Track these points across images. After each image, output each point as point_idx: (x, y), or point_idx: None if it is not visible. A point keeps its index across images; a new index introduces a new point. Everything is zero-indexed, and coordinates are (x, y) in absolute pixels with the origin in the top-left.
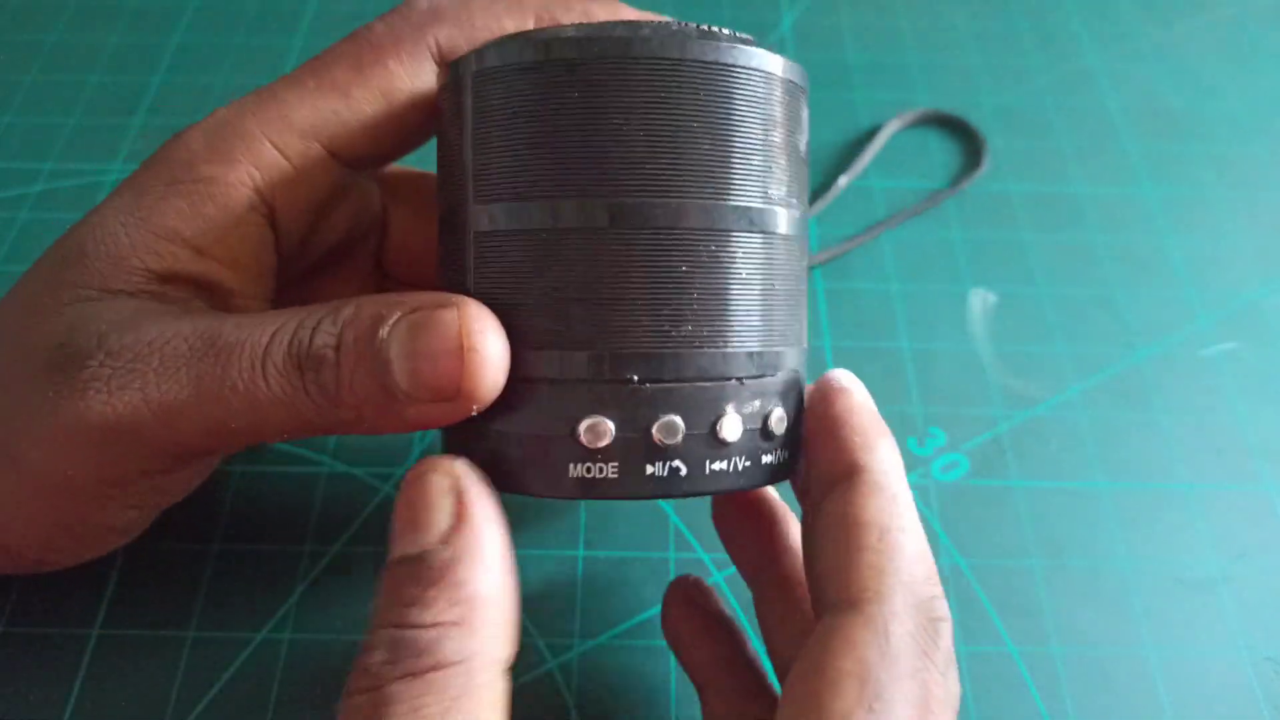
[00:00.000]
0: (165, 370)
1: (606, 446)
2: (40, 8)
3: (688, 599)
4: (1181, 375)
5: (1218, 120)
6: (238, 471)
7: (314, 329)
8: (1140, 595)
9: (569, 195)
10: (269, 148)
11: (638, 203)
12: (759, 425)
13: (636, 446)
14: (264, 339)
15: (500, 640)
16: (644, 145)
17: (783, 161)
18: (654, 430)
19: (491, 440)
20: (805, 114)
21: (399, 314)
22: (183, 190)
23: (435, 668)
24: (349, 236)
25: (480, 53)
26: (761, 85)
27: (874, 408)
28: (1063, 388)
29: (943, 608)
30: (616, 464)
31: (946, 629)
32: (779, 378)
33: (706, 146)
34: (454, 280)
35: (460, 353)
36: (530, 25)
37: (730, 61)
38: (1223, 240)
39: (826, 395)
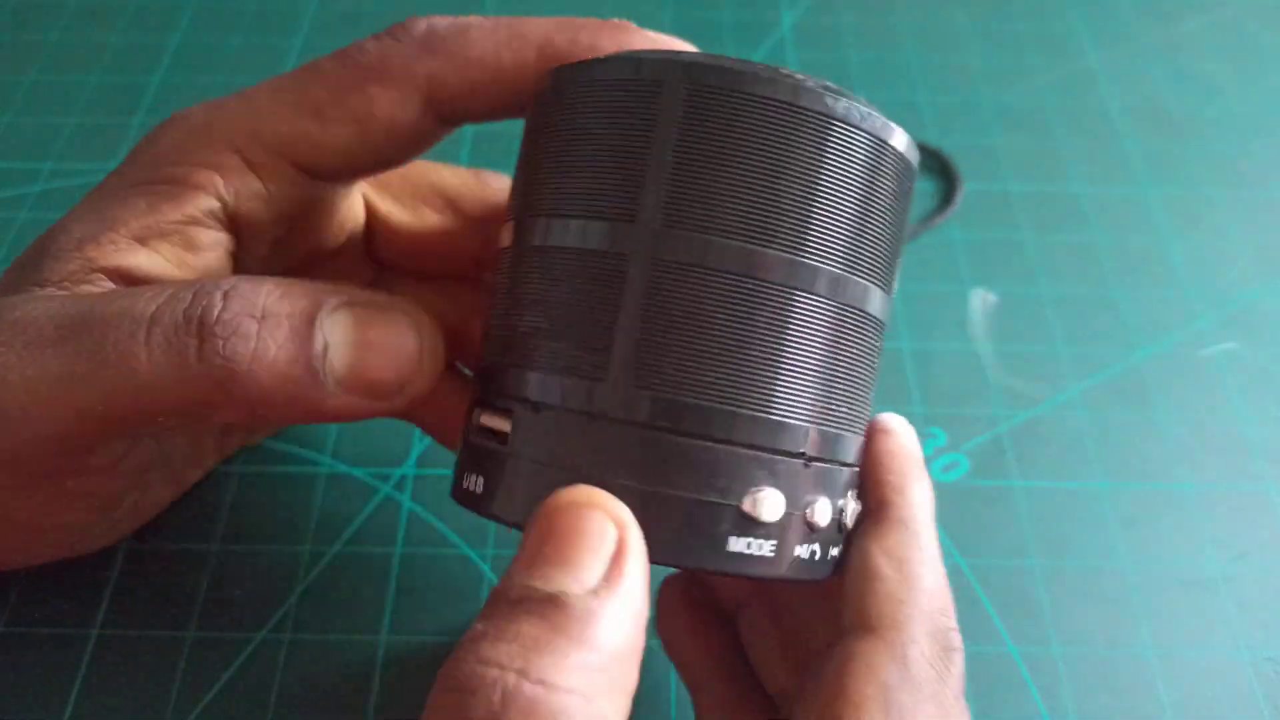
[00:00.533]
0: (29, 351)
1: (772, 523)
2: (40, 8)
3: (681, 598)
4: (1182, 375)
5: (1218, 120)
6: (238, 471)
7: (227, 295)
8: (1140, 595)
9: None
10: (235, 159)
11: (676, 234)
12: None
13: (797, 525)
14: (149, 307)
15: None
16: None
17: (884, 239)
18: (811, 511)
19: (636, 498)
20: (909, 197)
21: (337, 300)
22: (143, 190)
23: None
24: (330, 240)
25: (585, 64)
26: (873, 152)
27: (917, 452)
28: (1063, 388)
29: (957, 640)
30: (775, 543)
31: (960, 659)
32: (853, 466)
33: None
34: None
35: (414, 353)
36: (532, 58)
37: (853, 122)
38: (1223, 240)
39: (871, 435)
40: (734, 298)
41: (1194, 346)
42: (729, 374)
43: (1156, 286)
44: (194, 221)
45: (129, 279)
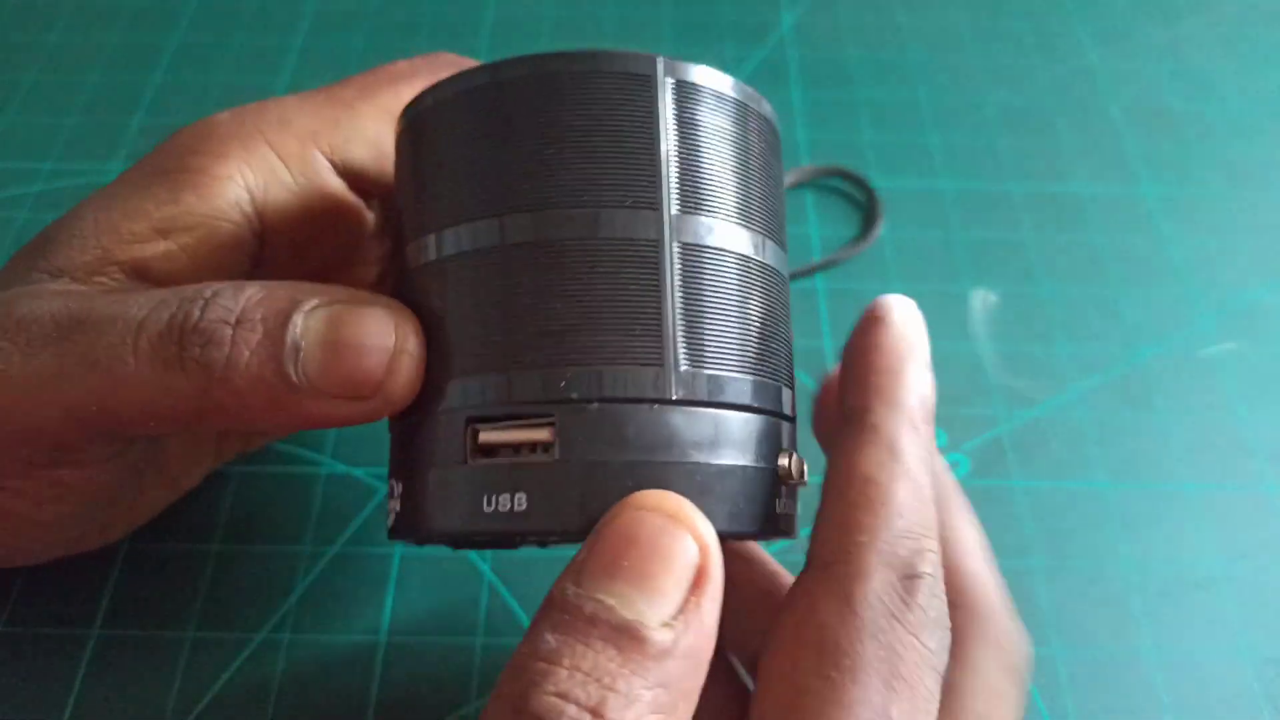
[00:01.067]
0: (30, 348)
1: (795, 481)
2: (40, 8)
3: None
4: (1182, 375)
5: (1218, 120)
6: (238, 471)
7: (206, 303)
8: (1141, 595)
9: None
10: (264, 146)
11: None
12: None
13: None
14: (139, 313)
15: None
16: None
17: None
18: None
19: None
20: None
21: (317, 301)
22: (168, 179)
23: None
24: (353, 251)
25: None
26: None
27: (914, 343)
28: (1063, 388)
29: (926, 563)
30: (791, 501)
31: (924, 586)
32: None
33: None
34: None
35: (390, 351)
36: None
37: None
38: (1223, 240)
39: (861, 326)
40: (738, 270)
41: (1194, 346)
42: (749, 344)
43: (1156, 286)
44: (219, 215)
45: (144, 274)
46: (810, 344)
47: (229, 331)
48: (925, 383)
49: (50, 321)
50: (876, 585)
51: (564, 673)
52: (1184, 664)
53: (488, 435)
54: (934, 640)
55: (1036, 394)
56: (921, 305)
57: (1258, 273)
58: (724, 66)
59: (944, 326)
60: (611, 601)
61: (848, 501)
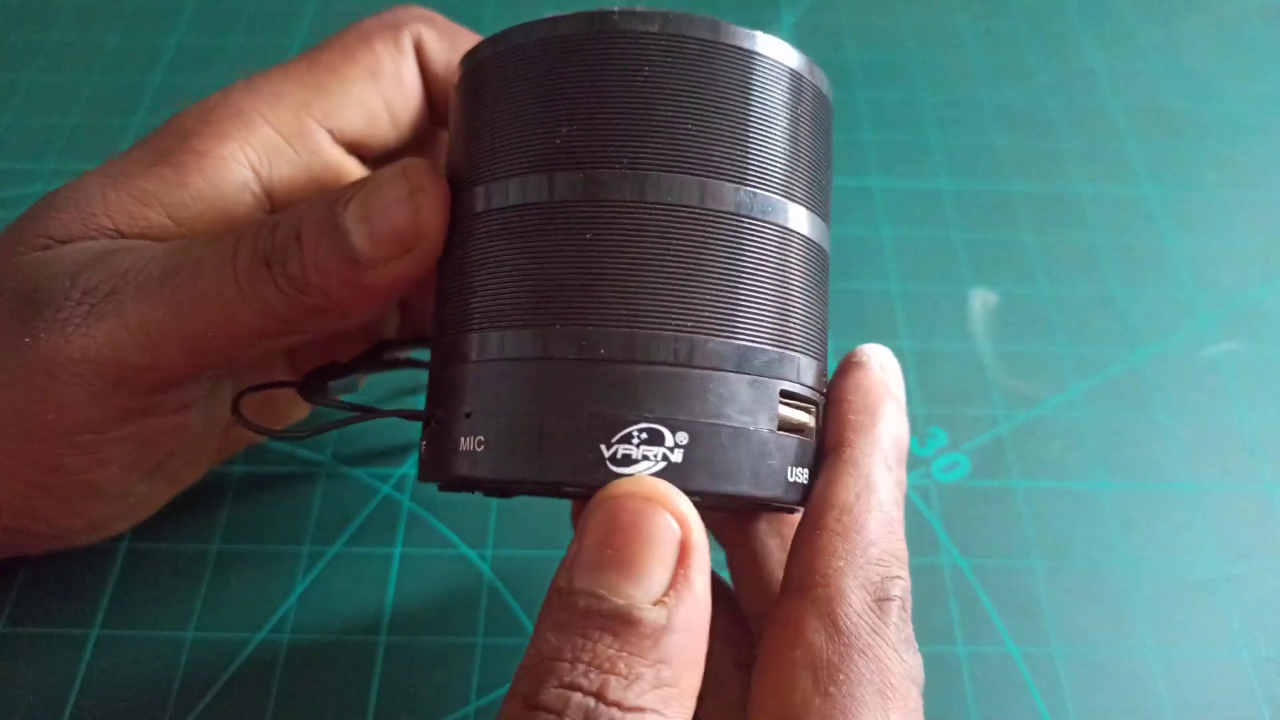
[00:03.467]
0: (141, 294)
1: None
2: (40, 8)
3: None
4: (1182, 375)
5: (1218, 120)
6: (238, 471)
7: (274, 227)
8: (1141, 595)
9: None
10: (262, 123)
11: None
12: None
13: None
14: (229, 248)
15: None
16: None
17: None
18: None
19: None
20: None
21: (351, 193)
22: (172, 160)
23: None
24: None
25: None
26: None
27: (889, 388)
28: (1063, 388)
29: (896, 588)
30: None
31: (896, 607)
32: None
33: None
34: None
35: (409, 197)
36: None
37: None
38: (1223, 240)
39: (841, 368)
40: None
41: (1194, 346)
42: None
43: (1157, 286)
44: (229, 198)
45: None
46: None
47: (295, 244)
48: (901, 425)
49: (156, 266)
50: (855, 605)
51: (567, 665)
52: (1184, 664)
53: None
54: (910, 656)
55: (1037, 394)
56: (921, 305)
57: (1258, 273)
58: None
59: (944, 326)
60: (602, 591)
61: (825, 528)
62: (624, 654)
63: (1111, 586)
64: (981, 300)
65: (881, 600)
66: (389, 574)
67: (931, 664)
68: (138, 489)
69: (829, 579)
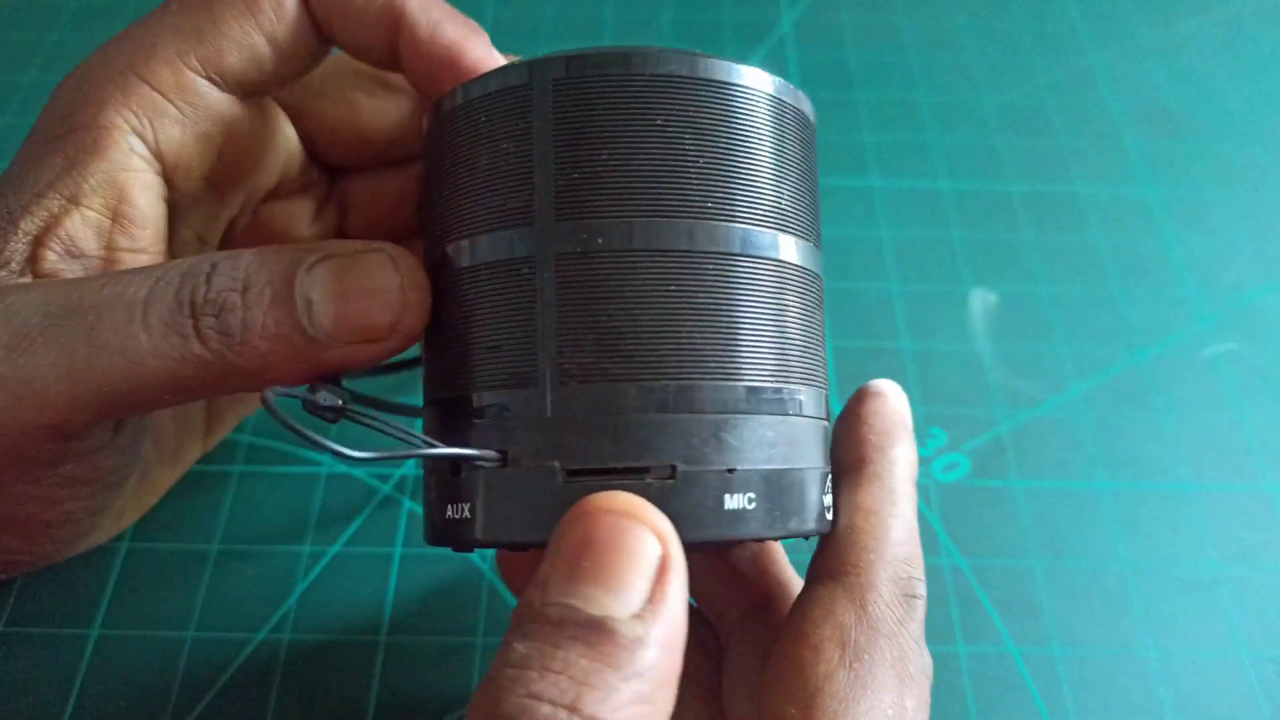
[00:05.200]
0: (17, 344)
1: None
2: (40, 8)
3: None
4: (1182, 375)
5: (1218, 120)
6: (238, 472)
7: (209, 274)
8: (1141, 595)
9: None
10: (137, 82)
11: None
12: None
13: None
14: (140, 292)
15: None
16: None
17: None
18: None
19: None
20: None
21: (316, 257)
22: (59, 145)
23: None
24: (266, 175)
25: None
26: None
27: (904, 416)
28: (1063, 388)
29: (920, 588)
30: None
31: (921, 606)
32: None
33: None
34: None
35: (400, 290)
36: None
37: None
38: (1223, 240)
39: (859, 396)
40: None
41: (1194, 346)
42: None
43: (1157, 286)
44: (121, 166)
45: (72, 249)
46: None
47: (238, 298)
48: (914, 451)
49: (36, 312)
50: (886, 596)
51: (535, 674)
52: (1184, 664)
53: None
54: (927, 655)
55: (1036, 394)
56: (921, 305)
57: (1258, 272)
58: None
59: (944, 326)
60: (578, 603)
61: (854, 527)
62: (598, 666)
63: (1111, 586)
64: (981, 300)
65: (908, 597)
66: (389, 574)
67: (932, 663)
68: (103, 514)
69: (860, 569)
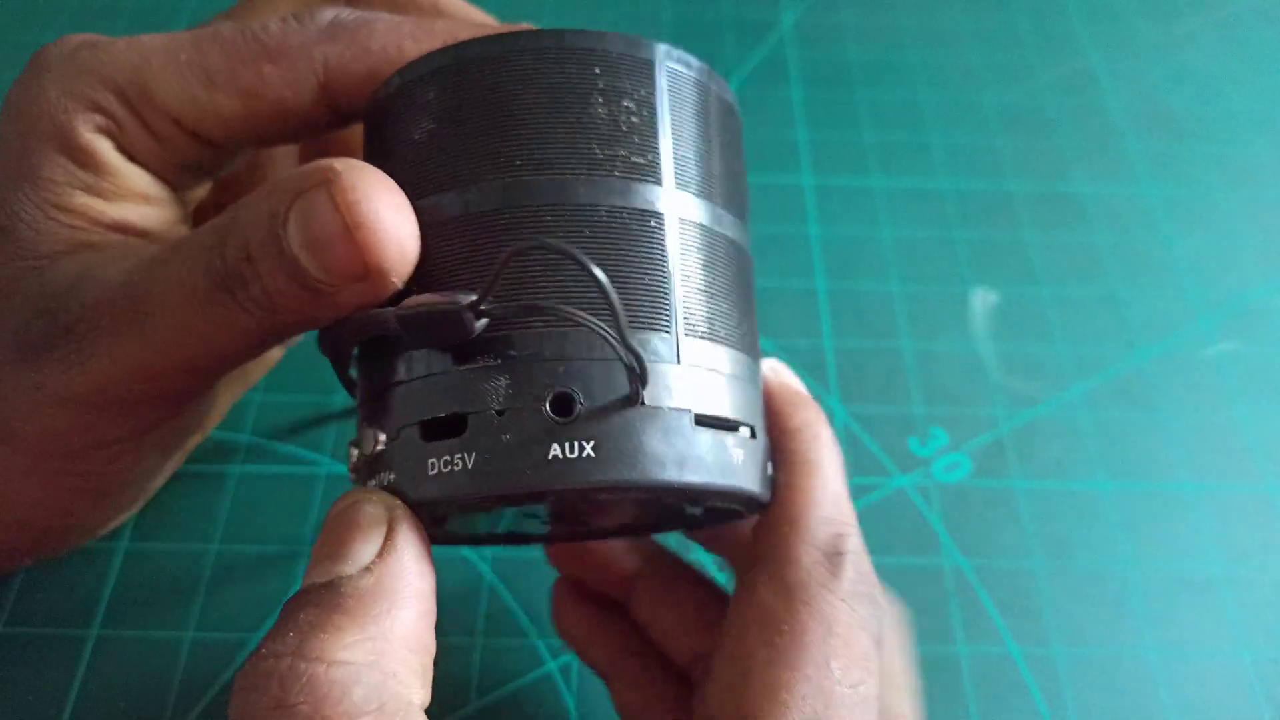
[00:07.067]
0: (117, 329)
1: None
2: (40, 8)
3: (570, 595)
4: (1183, 375)
5: (1218, 120)
6: (238, 472)
7: (221, 245)
8: (1142, 596)
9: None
10: (121, 108)
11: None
12: None
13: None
14: (184, 275)
15: (417, 686)
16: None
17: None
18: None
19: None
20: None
21: (288, 203)
22: (52, 147)
23: (345, 716)
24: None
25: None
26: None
27: (793, 386)
28: (1064, 388)
29: (847, 544)
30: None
31: (849, 560)
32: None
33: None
34: None
35: (348, 233)
36: (439, 47)
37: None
38: (1224, 240)
39: None
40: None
41: (1195, 346)
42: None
43: (1158, 286)
44: (109, 171)
45: (121, 227)
46: (811, 343)
47: (249, 269)
48: (814, 413)
49: (119, 300)
50: (805, 563)
51: (267, 639)
52: (1184, 664)
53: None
54: (863, 608)
55: (1037, 394)
56: (921, 305)
57: (1259, 273)
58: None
59: (944, 326)
60: (315, 578)
61: (774, 504)
62: (325, 615)
63: (1111, 586)
64: (981, 300)
65: (834, 554)
66: None
67: (932, 664)
68: (164, 471)
69: (780, 544)
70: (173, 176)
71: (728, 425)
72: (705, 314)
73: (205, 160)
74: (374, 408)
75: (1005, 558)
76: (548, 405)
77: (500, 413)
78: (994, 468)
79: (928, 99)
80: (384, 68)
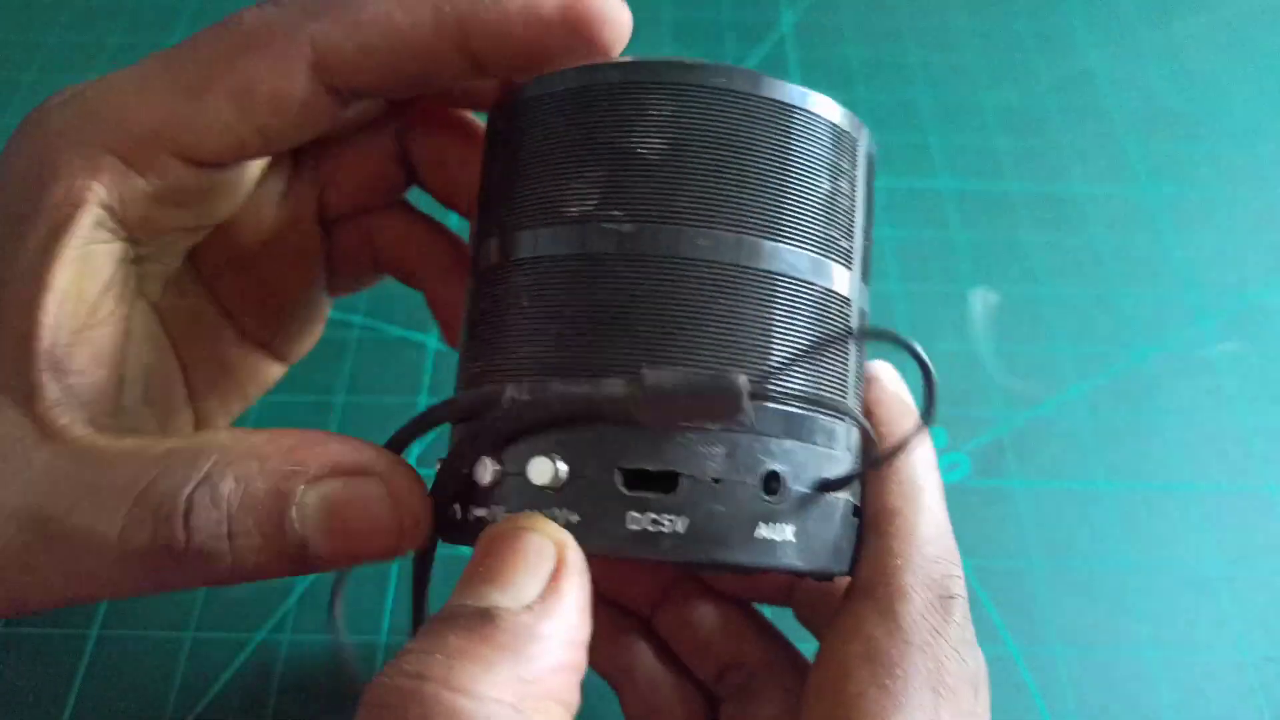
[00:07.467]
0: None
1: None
2: (40, 8)
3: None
4: (1183, 375)
5: (1218, 120)
6: None
7: (187, 517)
8: (1141, 596)
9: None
10: (109, 159)
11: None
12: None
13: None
14: (111, 529)
15: None
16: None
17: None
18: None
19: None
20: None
21: (303, 484)
22: (28, 227)
23: None
24: (266, 221)
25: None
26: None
27: (905, 397)
28: (1064, 388)
29: (957, 586)
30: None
31: (959, 605)
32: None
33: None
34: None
35: (398, 531)
36: (428, 16)
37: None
38: (1224, 240)
39: None
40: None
41: (1195, 346)
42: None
43: (1157, 287)
44: (87, 242)
45: (59, 367)
46: None
47: (225, 544)
48: (925, 434)
49: (13, 525)
50: (918, 604)
51: (412, 657)
52: (1184, 664)
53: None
54: (970, 658)
55: (1037, 394)
56: (921, 305)
57: (1259, 273)
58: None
59: (944, 326)
60: (468, 600)
61: (879, 532)
62: (478, 646)
63: (1111, 586)
64: (981, 300)
65: (944, 598)
66: (389, 574)
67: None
68: None
69: (889, 578)
70: (169, 230)
71: (859, 512)
72: (859, 402)
73: (207, 192)
74: (550, 434)
75: (1005, 558)
76: (761, 482)
77: (717, 481)
78: (993, 468)
79: (927, 99)
80: (376, 39)
